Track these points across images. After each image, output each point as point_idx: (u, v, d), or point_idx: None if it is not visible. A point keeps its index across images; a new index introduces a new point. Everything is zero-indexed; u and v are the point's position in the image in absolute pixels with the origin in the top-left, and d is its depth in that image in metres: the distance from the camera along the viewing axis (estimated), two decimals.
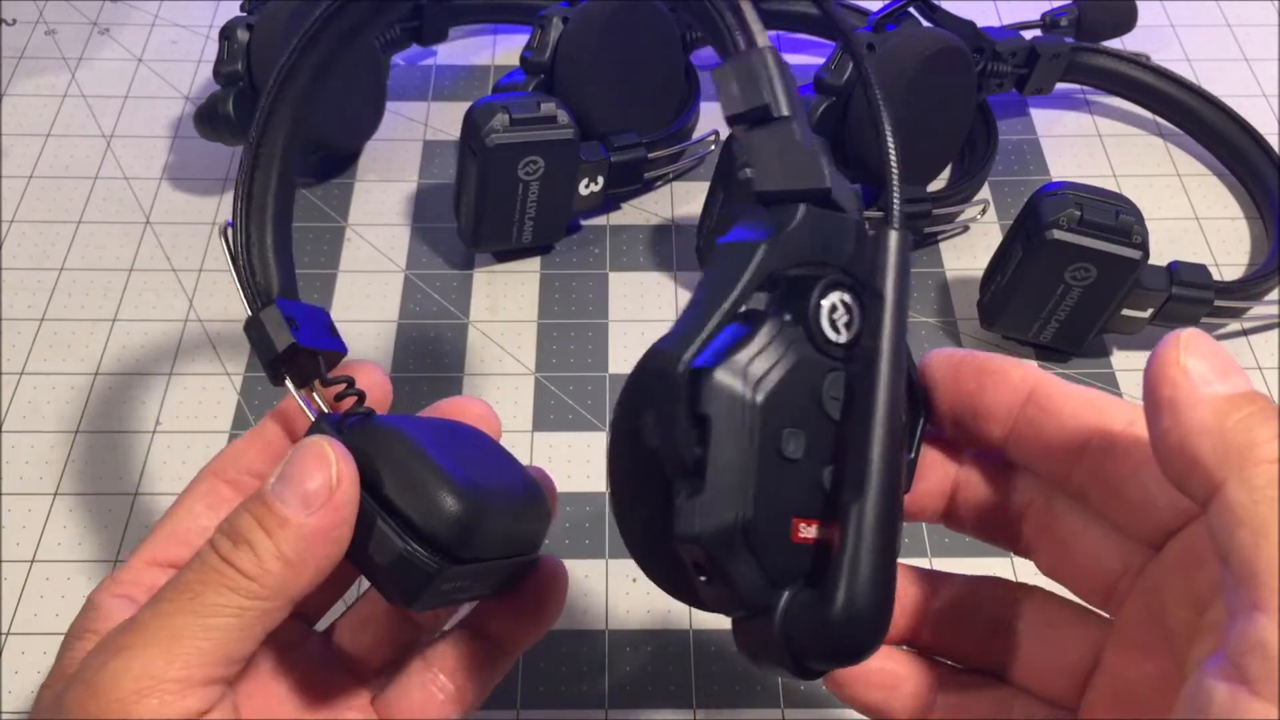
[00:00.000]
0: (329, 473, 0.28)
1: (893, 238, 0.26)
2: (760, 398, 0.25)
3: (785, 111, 0.26)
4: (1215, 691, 0.20)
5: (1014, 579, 0.31)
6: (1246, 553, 0.20)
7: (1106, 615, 0.28)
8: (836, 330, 0.26)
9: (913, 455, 0.29)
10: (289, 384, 0.32)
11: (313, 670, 0.33)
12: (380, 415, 0.32)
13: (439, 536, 0.28)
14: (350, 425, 0.31)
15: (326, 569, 0.28)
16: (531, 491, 0.32)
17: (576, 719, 0.42)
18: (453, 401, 0.35)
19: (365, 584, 0.30)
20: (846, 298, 0.26)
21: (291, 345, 0.31)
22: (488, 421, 0.35)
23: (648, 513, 0.26)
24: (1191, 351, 0.22)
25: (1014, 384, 0.28)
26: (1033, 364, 0.28)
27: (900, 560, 0.30)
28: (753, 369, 0.25)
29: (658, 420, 0.25)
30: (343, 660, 0.34)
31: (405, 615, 0.35)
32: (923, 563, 0.46)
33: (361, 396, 0.32)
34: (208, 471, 0.33)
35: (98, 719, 0.26)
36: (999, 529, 0.30)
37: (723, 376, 0.25)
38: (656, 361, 0.25)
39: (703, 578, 0.25)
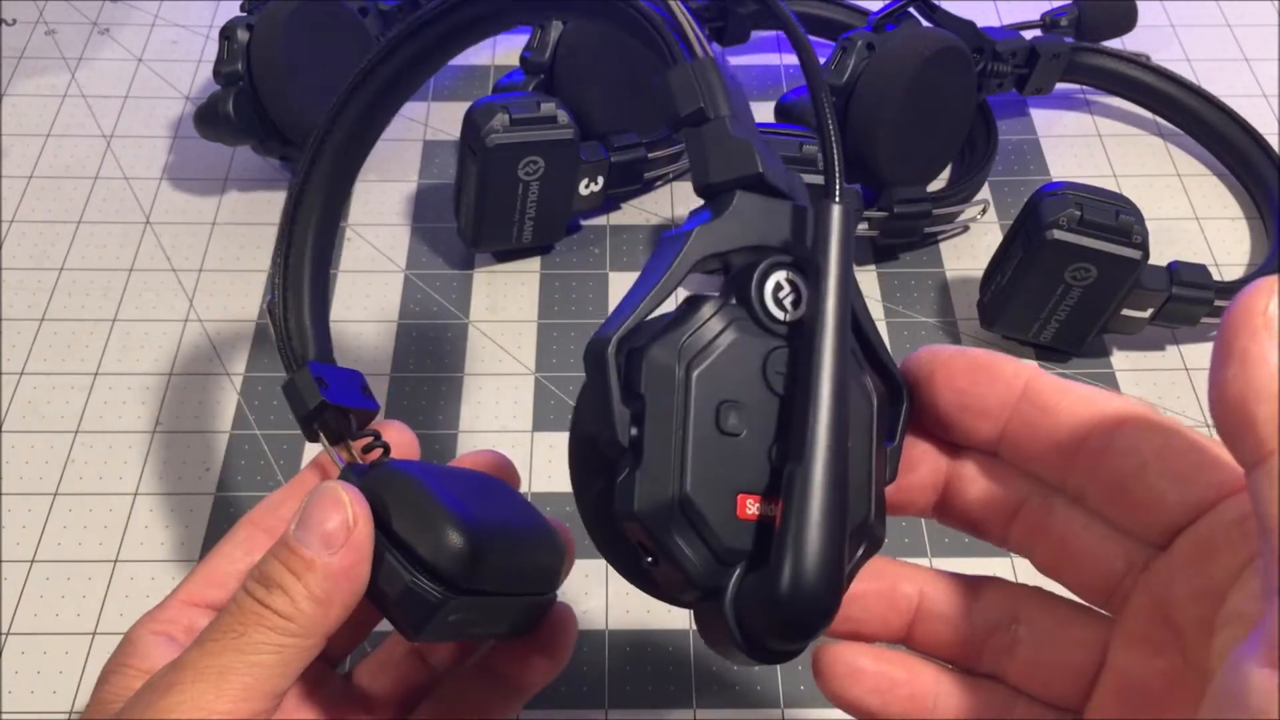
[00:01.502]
0: (345, 514, 0.29)
1: (835, 211, 0.26)
2: (694, 373, 0.25)
3: (722, 112, 0.27)
4: (1253, 676, 0.19)
5: (1015, 578, 0.30)
6: None
7: (1108, 614, 0.27)
8: (782, 309, 0.26)
9: (896, 443, 0.28)
10: (322, 439, 0.34)
11: (333, 710, 0.34)
12: (393, 460, 0.34)
13: (441, 568, 0.29)
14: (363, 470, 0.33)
15: (352, 604, 0.30)
16: (544, 533, 0.33)
17: (576, 719, 0.42)
18: (473, 455, 0.37)
19: (387, 628, 0.32)
20: (792, 276, 0.26)
21: (321, 403, 0.34)
22: (506, 472, 0.37)
23: (598, 500, 0.26)
24: None
25: (1007, 380, 0.27)
26: (1027, 361, 0.27)
27: (896, 558, 0.30)
28: (686, 346, 0.25)
29: (593, 402, 0.25)
30: (362, 701, 0.36)
31: (423, 658, 0.36)
32: (922, 563, 0.46)
33: (387, 449, 0.34)
34: (247, 521, 0.34)
35: None
36: (992, 526, 0.29)
37: (655, 354, 0.25)
38: (590, 347, 0.25)
39: (649, 559, 0.25)
